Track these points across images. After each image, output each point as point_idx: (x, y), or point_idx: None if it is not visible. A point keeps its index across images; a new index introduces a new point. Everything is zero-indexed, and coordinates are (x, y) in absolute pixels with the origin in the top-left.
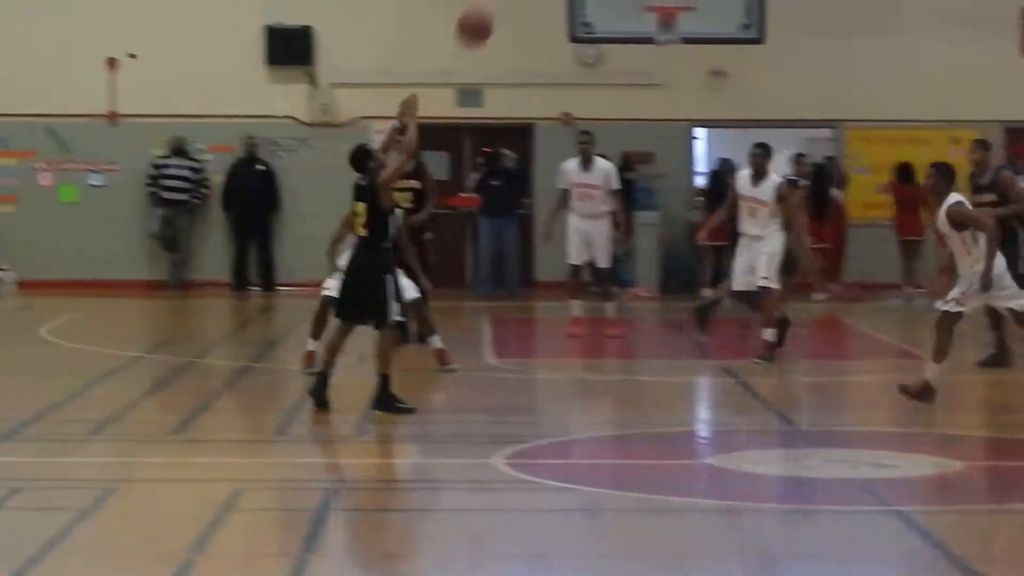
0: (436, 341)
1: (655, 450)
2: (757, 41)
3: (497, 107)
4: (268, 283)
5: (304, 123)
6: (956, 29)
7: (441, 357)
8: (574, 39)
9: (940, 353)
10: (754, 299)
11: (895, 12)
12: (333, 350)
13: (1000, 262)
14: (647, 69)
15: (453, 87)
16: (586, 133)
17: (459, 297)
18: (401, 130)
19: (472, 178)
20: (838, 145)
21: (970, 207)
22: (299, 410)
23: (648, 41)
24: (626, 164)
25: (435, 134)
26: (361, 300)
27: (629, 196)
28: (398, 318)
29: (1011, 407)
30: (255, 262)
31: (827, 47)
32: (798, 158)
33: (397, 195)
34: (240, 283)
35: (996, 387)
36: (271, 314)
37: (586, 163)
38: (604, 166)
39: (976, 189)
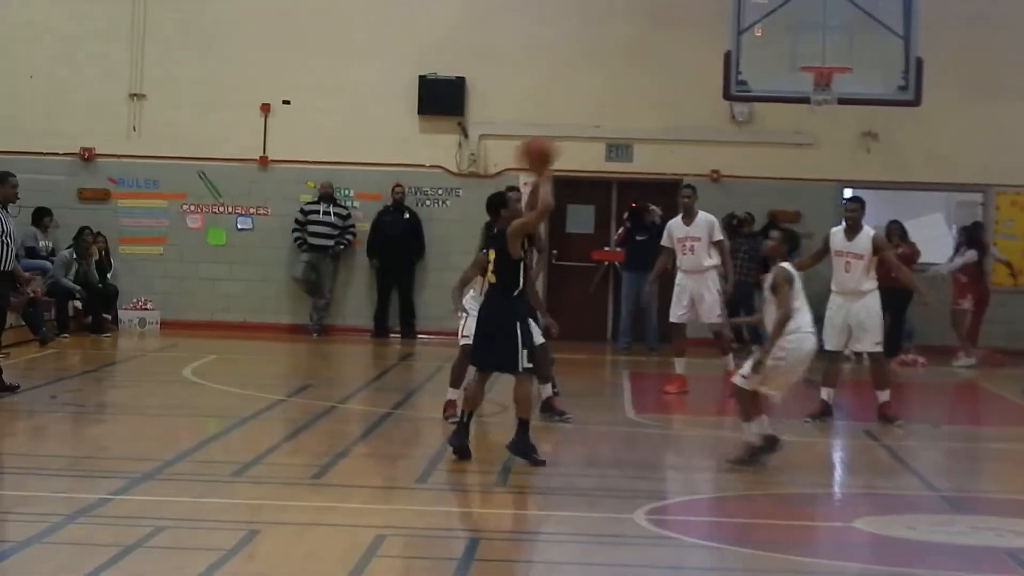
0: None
1: (798, 511)
2: (913, 103)
3: (646, 162)
4: (409, 330)
5: (453, 173)
6: None
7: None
8: (728, 96)
9: None
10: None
11: None
12: (472, 398)
13: None
14: (798, 128)
15: (602, 140)
16: (689, 187)
17: (599, 351)
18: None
19: (618, 233)
20: (987, 209)
21: None
22: (440, 458)
23: (804, 101)
24: (772, 223)
25: (582, 187)
26: (493, 347)
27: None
28: (528, 364)
29: None
30: (396, 309)
31: (981, 110)
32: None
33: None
34: (381, 330)
35: None
36: (411, 361)
37: (688, 217)
38: (706, 218)
39: None
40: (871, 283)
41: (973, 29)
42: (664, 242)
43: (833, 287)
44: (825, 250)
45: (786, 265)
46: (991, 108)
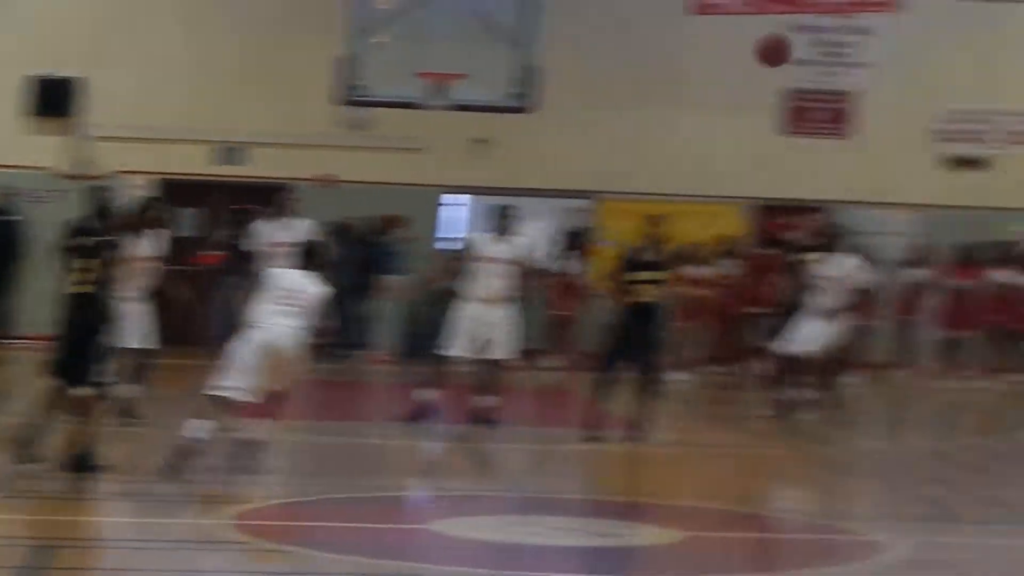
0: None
1: (378, 514)
2: (525, 110)
3: (259, 165)
4: (3, 335)
5: (61, 175)
6: (721, 105)
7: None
8: (343, 101)
9: None
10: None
11: (661, 87)
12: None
13: None
14: (412, 133)
15: (213, 144)
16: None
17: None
18: None
19: (222, 235)
20: (592, 216)
21: None
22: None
23: (419, 106)
24: (380, 227)
25: (189, 190)
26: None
27: (379, 260)
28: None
29: (727, 481)
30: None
31: (590, 119)
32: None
33: None
34: None
35: (716, 458)
36: (7, 367)
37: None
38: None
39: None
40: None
41: (586, 40)
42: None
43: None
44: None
45: None
46: (601, 116)
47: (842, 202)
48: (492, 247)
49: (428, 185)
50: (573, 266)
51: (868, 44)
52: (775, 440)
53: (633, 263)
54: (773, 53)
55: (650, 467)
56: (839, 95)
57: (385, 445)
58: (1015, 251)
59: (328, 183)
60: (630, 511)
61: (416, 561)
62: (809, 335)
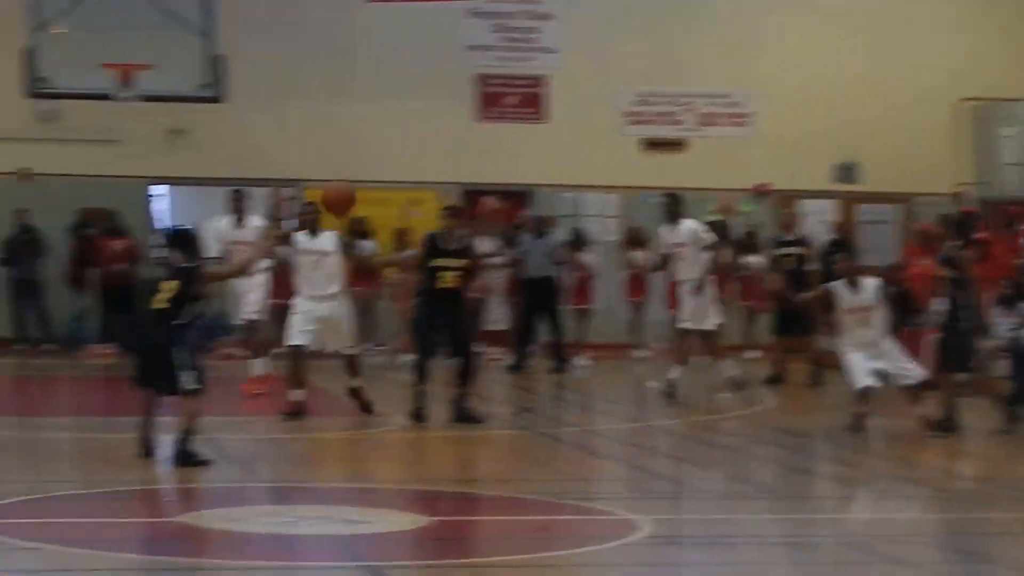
0: None
1: (125, 507)
2: (216, 100)
3: None
4: None
5: None
6: (414, 93)
7: None
8: (31, 94)
9: None
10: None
11: (355, 76)
12: None
13: None
14: (105, 125)
15: None
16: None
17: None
18: None
19: None
20: (299, 203)
21: None
22: None
23: (107, 98)
24: (84, 221)
25: None
26: None
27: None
28: None
29: (473, 462)
30: None
31: (289, 108)
32: None
33: None
34: None
35: (464, 442)
36: None
37: (240, 220)
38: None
39: (444, 253)
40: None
41: (275, 29)
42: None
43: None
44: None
45: None
46: (298, 105)
47: (543, 185)
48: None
49: (127, 177)
50: None
51: (551, 29)
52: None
53: (435, 250)
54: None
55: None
56: (528, 80)
57: (115, 439)
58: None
59: (24, 177)
60: (375, 497)
61: (168, 555)
62: None
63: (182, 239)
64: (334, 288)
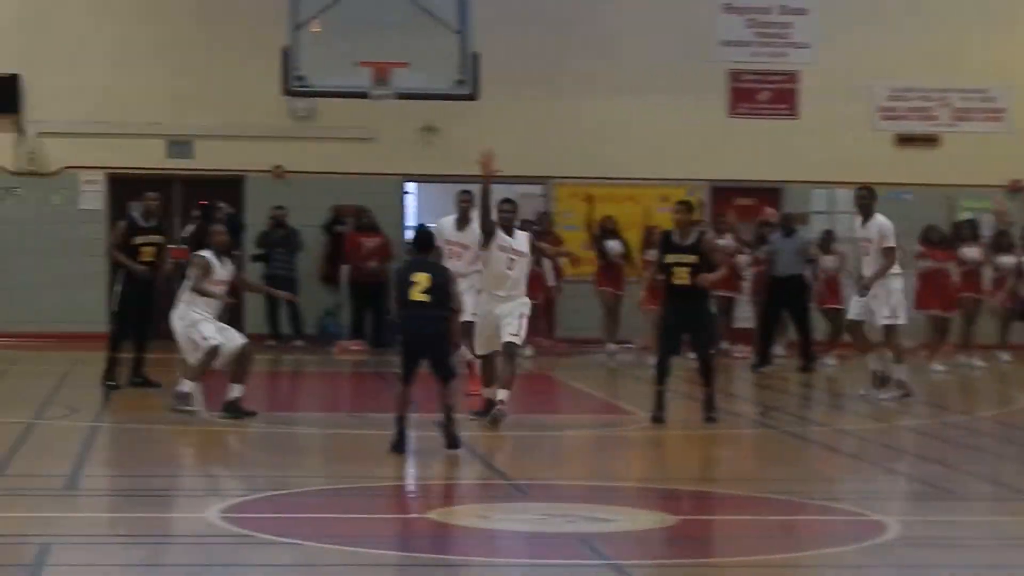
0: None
1: (372, 504)
2: (470, 97)
3: (207, 158)
4: None
5: (10, 172)
6: (666, 89)
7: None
8: (287, 92)
9: None
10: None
11: (606, 71)
12: None
13: None
14: (359, 123)
15: (163, 137)
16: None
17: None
18: None
19: (187, 230)
20: (548, 202)
21: None
22: (7, 463)
23: (363, 96)
24: (336, 218)
25: (145, 185)
26: None
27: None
28: None
29: (718, 461)
30: None
31: (539, 105)
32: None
33: None
34: None
35: (707, 441)
36: None
37: (463, 221)
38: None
39: (676, 249)
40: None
41: (528, 25)
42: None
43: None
44: None
45: None
46: (548, 102)
47: (793, 182)
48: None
49: (380, 174)
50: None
51: (804, 23)
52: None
53: (669, 246)
54: None
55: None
56: (782, 75)
57: (370, 436)
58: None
59: (279, 175)
60: (619, 495)
61: (416, 551)
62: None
63: (419, 238)
64: (518, 290)
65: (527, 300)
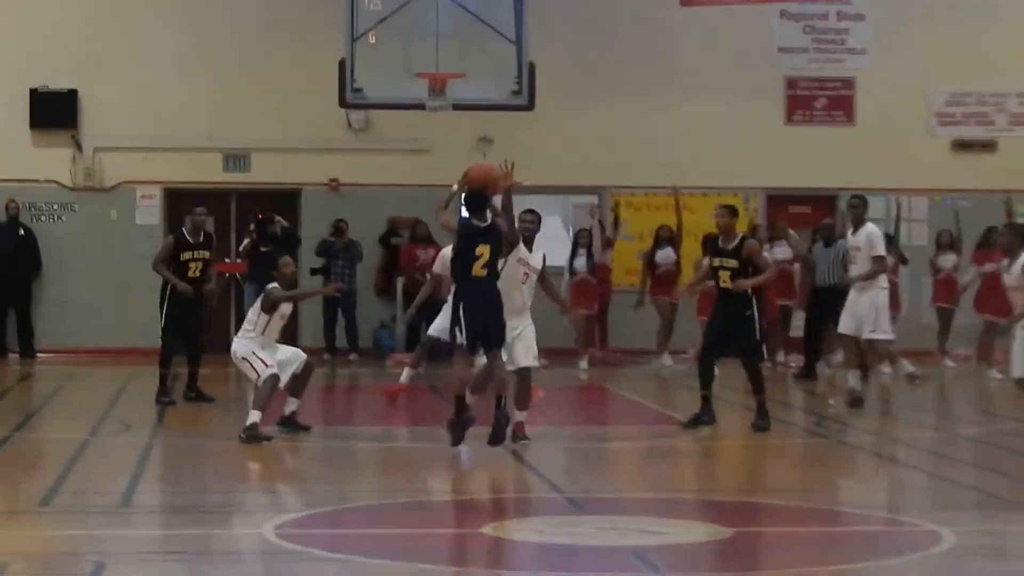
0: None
1: (426, 519)
2: (527, 108)
3: (264, 172)
4: (28, 349)
5: (67, 187)
6: (722, 97)
7: None
8: (344, 104)
9: None
10: None
11: (661, 79)
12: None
13: None
14: (415, 135)
15: (219, 151)
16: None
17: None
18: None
19: (244, 244)
20: (604, 211)
21: None
22: (63, 480)
23: (419, 107)
24: (392, 230)
25: (201, 199)
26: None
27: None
28: None
29: (770, 471)
30: (14, 328)
31: (594, 114)
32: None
33: None
34: None
35: (759, 451)
36: (30, 382)
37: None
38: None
39: (720, 253)
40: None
41: (582, 34)
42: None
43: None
44: None
45: None
46: (603, 111)
47: (850, 189)
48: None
49: (436, 185)
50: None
51: (861, 29)
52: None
53: (714, 250)
54: None
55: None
56: (839, 82)
57: (419, 448)
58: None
59: (335, 187)
60: (671, 507)
61: (470, 566)
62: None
63: (473, 198)
64: (527, 308)
65: (531, 322)
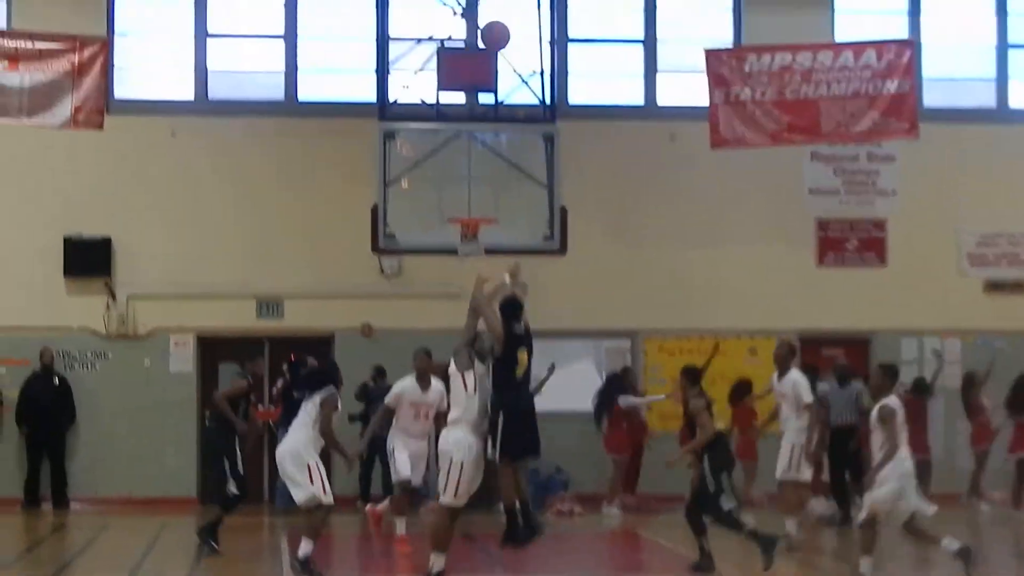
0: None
1: None
2: (559, 252)
3: (297, 318)
4: (61, 499)
5: (101, 335)
6: (754, 239)
7: None
8: (376, 250)
9: None
10: None
11: (692, 223)
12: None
13: None
14: (447, 279)
15: (252, 298)
16: (427, 354)
17: (256, 512)
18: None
19: (278, 384)
20: (636, 355)
21: None
22: None
23: (451, 252)
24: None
25: (234, 346)
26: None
27: None
28: None
29: None
30: (48, 478)
31: (626, 257)
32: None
33: None
34: (32, 500)
35: None
36: (64, 532)
37: (425, 383)
38: (439, 387)
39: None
40: None
41: (614, 179)
42: (391, 403)
43: None
44: None
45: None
46: (635, 255)
47: (882, 331)
48: None
49: None
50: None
51: (891, 170)
52: None
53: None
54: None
55: None
56: (870, 223)
57: None
58: None
59: (367, 333)
60: None
61: None
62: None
63: (511, 305)
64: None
65: None
